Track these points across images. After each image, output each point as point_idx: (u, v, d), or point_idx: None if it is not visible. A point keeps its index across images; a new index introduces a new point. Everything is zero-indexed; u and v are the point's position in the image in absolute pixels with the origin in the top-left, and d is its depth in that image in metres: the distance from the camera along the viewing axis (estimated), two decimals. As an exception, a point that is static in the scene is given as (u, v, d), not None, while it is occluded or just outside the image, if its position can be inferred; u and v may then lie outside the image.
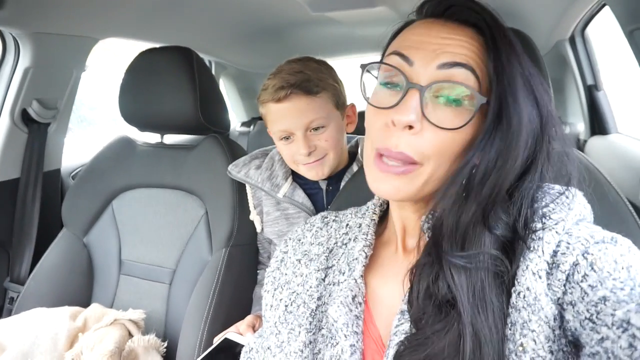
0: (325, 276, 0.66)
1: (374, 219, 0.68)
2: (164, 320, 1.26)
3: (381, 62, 0.57)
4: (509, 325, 0.48)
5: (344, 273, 0.64)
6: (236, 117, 3.01)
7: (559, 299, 0.48)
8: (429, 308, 0.51)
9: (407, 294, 0.55)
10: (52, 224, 1.53)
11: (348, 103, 1.14)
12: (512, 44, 0.53)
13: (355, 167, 1.15)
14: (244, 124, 2.89)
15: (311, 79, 1.04)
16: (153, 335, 1.12)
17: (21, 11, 1.22)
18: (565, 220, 0.51)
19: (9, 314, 1.40)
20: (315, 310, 0.63)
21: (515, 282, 0.49)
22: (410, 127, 0.52)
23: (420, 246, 0.59)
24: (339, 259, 0.66)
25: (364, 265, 0.62)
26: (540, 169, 0.53)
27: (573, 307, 0.47)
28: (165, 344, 1.15)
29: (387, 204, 0.70)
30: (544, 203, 0.54)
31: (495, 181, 0.51)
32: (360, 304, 0.60)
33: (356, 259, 0.63)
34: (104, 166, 1.44)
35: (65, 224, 1.41)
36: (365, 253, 0.63)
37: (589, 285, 0.46)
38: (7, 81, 1.42)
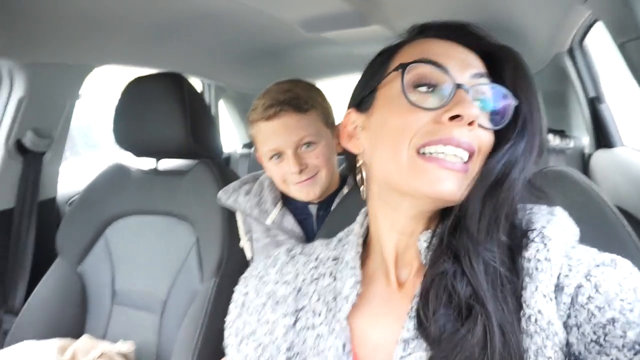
0: (296, 320, 0.59)
1: (359, 252, 0.61)
2: (155, 352, 1.23)
3: (420, 60, 0.53)
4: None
5: (319, 314, 0.57)
6: (238, 139, 3.01)
7: (564, 323, 0.47)
8: (449, 317, 0.48)
9: (414, 317, 0.51)
10: (48, 253, 1.53)
11: (337, 124, 1.13)
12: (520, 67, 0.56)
13: (345, 190, 1.13)
14: (245, 145, 2.89)
15: (300, 96, 1.04)
16: (141, 369, 1.09)
17: (14, 42, 1.23)
18: (565, 242, 0.51)
19: (2, 346, 1.38)
20: None
21: (524, 304, 0.47)
22: (471, 123, 0.51)
23: (413, 274, 0.57)
24: (310, 298, 0.60)
25: (352, 305, 0.55)
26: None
27: (578, 329, 0.45)
28: (155, 378, 1.12)
29: (366, 234, 0.64)
30: (537, 222, 0.53)
31: (521, 178, 0.52)
32: (350, 352, 0.54)
33: (345, 297, 0.56)
34: (97, 194, 1.43)
35: (60, 253, 1.41)
36: (357, 291, 0.56)
37: (596, 307, 0.45)
38: (1, 112, 1.43)
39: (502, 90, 0.53)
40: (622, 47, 0.86)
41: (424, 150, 0.51)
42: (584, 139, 2.15)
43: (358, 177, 0.64)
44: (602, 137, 1.87)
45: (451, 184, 0.50)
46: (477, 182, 0.52)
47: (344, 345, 0.54)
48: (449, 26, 0.58)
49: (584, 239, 0.55)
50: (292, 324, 0.58)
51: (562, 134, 2.35)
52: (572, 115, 2.19)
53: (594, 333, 0.44)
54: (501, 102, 0.53)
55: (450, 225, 0.53)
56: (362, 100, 0.61)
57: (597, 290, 0.46)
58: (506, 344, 0.45)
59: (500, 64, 0.55)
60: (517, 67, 0.55)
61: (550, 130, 2.40)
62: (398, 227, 0.57)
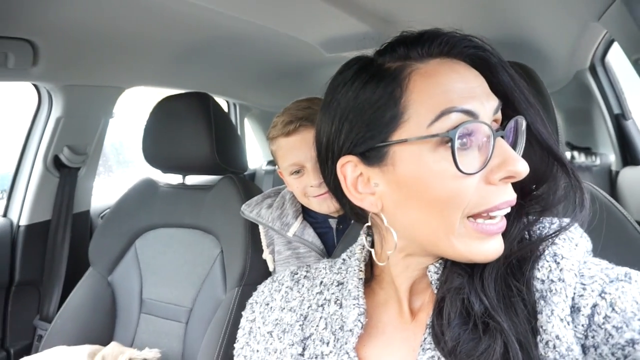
0: (304, 349, 0.57)
1: (361, 278, 0.58)
2: (180, 359, 1.27)
3: (469, 122, 0.46)
4: None
5: (327, 343, 0.55)
6: (262, 155, 3.08)
7: (582, 345, 0.45)
8: (464, 330, 0.47)
9: (433, 327, 0.50)
10: (81, 263, 1.60)
11: None
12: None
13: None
14: (269, 162, 2.95)
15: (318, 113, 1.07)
16: (166, 375, 1.13)
17: (53, 67, 1.33)
18: (578, 260, 0.49)
19: (36, 351, 1.44)
20: None
21: (540, 329, 0.45)
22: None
23: (426, 303, 0.55)
24: (317, 326, 0.58)
25: (358, 337, 0.53)
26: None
27: (595, 350, 0.44)
28: (179, 385, 1.15)
29: (370, 257, 0.61)
30: (548, 239, 0.51)
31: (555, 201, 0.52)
32: None
33: (350, 330, 0.54)
34: (128, 207, 1.50)
35: (92, 263, 1.47)
36: (362, 323, 0.54)
37: (614, 327, 0.43)
38: (41, 130, 1.53)
39: (516, 118, 0.51)
40: (636, 63, 0.87)
41: (476, 219, 0.48)
42: (611, 156, 2.11)
43: (367, 240, 0.60)
44: (629, 154, 1.84)
45: (499, 244, 0.49)
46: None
47: None
48: (453, 39, 0.51)
49: (604, 254, 0.55)
50: (300, 353, 0.57)
51: (587, 151, 2.32)
52: (597, 133, 2.16)
53: (612, 354, 0.43)
54: (516, 130, 0.52)
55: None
56: (369, 150, 0.51)
57: (613, 309, 0.44)
58: (527, 356, 0.44)
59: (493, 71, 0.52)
60: (513, 76, 0.51)
61: (575, 148, 2.37)
62: (412, 266, 0.56)
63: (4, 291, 1.54)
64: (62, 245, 1.58)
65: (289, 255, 1.18)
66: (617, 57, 1.70)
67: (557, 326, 0.45)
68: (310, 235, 1.15)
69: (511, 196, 0.48)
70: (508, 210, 0.49)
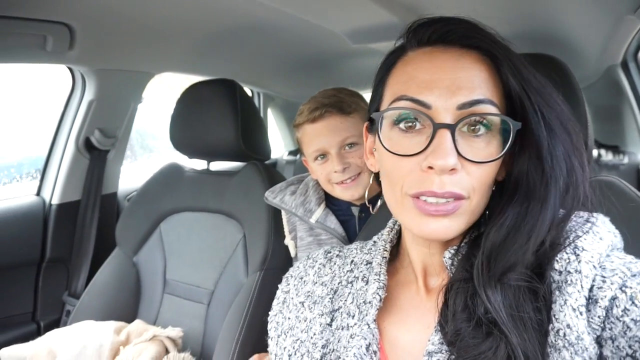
0: (332, 320, 0.61)
1: (385, 257, 0.62)
2: (202, 339, 1.31)
3: (395, 107, 0.53)
4: None
5: (353, 316, 0.59)
6: (284, 146, 3.10)
7: (598, 336, 0.45)
8: (467, 326, 0.49)
9: (439, 317, 0.52)
10: (108, 243, 1.65)
11: None
12: (518, 56, 0.53)
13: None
14: (291, 152, 2.98)
15: (344, 100, 1.10)
16: (188, 353, 1.17)
17: (88, 50, 1.37)
18: (600, 252, 0.49)
19: (65, 325, 1.50)
20: None
21: (553, 318, 0.46)
22: (453, 169, 0.49)
23: (442, 283, 0.56)
24: (345, 300, 0.62)
25: (377, 309, 0.57)
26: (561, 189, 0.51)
27: (613, 342, 0.44)
28: (200, 362, 1.19)
29: (398, 238, 0.66)
30: (572, 231, 0.51)
31: (579, 197, 0.50)
32: (375, 352, 0.55)
33: (369, 302, 0.57)
34: (154, 190, 1.54)
35: (118, 244, 1.52)
36: (380, 296, 0.57)
37: (632, 320, 0.44)
38: (74, 112, 1.58)
39: (494, 119, 0.50)
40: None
41: (419, 195, 0.51)
42: (639, 154, 2.06)
43: (396, 223, 0.67)
44: (658, 153, 1.80)
45: (437, 225, 0.51)
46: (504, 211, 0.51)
47: (367, 346, 0.55)
48: (441, 27, 0.53)
49: (629, 249, 0.54)
50: (328, 322, 0.61)
51: (615, 149, 2.27)
52: (626, 130, 2.11)
53: (630, 347, 0.43)
54: (495, 132, 0.51)
55: (471, 242, 0.54)
56: (370, 119, 0.61)
57: (633, 303, 0.44)
58: None
59: (499, 61, 0.52)
60: (517, 67, 0.51)
61: (603, 145, 2.32)
62: (419, 241, 0.59)
63: (35, 267, 1.60)
64: (91, 225, 1.64)
65: (311, 241, 1.20)
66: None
67: (569, 315, 0.45)
68: (333, 222, 1.17)
69: (438, 188, 0.49)
70: (444, 201, 0.50)
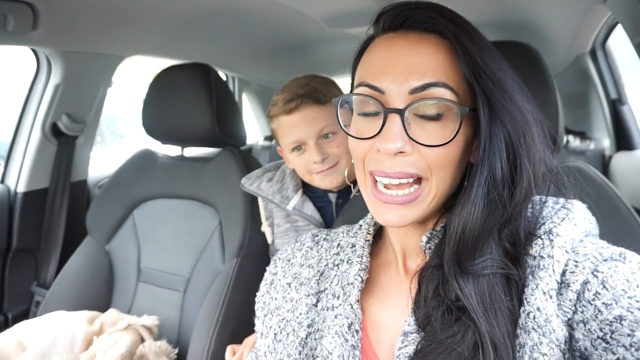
0: (318, 301, 0.63)
1: (369, 240, 0.64)
2: (178, 327, 1.29)
3: (352, 93, 0.56)
4: (517, 347, 0.47)
5: (338, 297, 0.61)
6: (259, 131, 3.07)
7: (569, 319, 0.47)
8: (437, 311, 0.50)
9: (413, 301, 0.54)
10: (78, 232, 1.61)
11: None
12: (480, 41, 0.53)
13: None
14: (266, 138, 2.95)
15: (319, 90, 1.08)
16: (164, 341, 1.15)
17: (53, 32, 1.31)
18: (573, 238, 0.50)
19: (34, 316, 1.46)
20: (306, 339, 0.60)
21: (524, 301, 0.48)
22: (401, 152, 0.51)
23: (420, 266, 0.57)
24: (331, 282, 0.63)
25: (360, 290, 0.59)
26: (525, 173, 0.51)
27: (585, 325, 0.46)
28: (176, 350, 1.18)
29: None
30: (548, 218, 0.52)
31: (526, 184, 0.50)
32: (357, 331, 0.57)
33: (351, 283, 0.60)
34: (126, 177, 1.50)
35: (89, 232, 1.48)
36: (361, 277, 0.60)
37: (603, 304, 0.45)
38: (39, 97, 1.52)
39: (446, 103, 0.51)
40: (638, 46, 0.88)
41: (375, 174, 0.55)
42: (605, 141, 2.14)
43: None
44: (623, 139, 1.87)
45: (391, 216, 0.53)
46: (467, 195, 0.51)
47: (350, 324, 0.57)
48: (401, 13, 0.54)
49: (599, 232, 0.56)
50: (314, 303, 0.63)
51: (582, 135, 2.35)
52: (593, 117, 2.19)
53: (600, 330, 0.44)
54: (451, 116, 0.51)
55: (444, 230, 0.54)
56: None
57: (604, 287, 0.46)
58: (498, 357, 0.46)
59: (462, 45, 0.52)
60: (470, 52, 0.51)
61: (571, 132, 2.39)
62: (397, 228, 0.61)
63: (1, 257, 1.54)
64: (60, 214, 1.59)
65: (288, 228, 1.20)
66: (617, 43, 1.71)
67: (539, 299, 0.47)
68: (310, 208, 1.17)
69: (389, 168, 0.52)
70: (400, 192, 0.53)
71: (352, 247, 0.65)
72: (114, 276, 1.44)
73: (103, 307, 1.37)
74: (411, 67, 0.51)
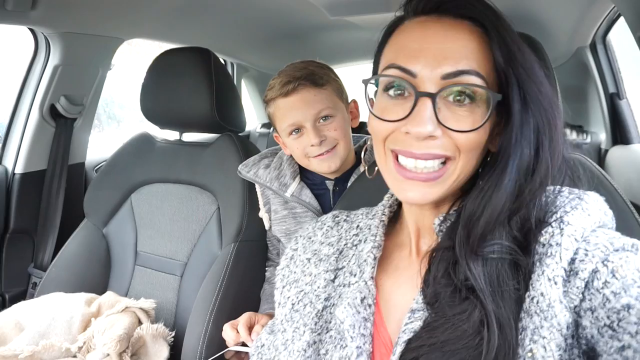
0: (335, 277, 0.66)
1: (383, 220, 0.67)
2: (175, 311, 1.31)
3: (382, 75, 0.56)
4: (520, 329, 0.48)
5: (354, 275, 0.63)
6: (257, 118, 3.07)
7: (575, 306, 0.48)
8: (445, 290, 0.52)
9: (422, 279, 0.55)
10: (75, 215, 1.61)
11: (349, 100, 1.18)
12: (512, 31, 0.53)
13: (362, 168, 1.17)
14: (264, 125, 2.94)
15: (316, 72, 1.09)
16: (161, 324, 1.16)
17: (52, 12, 1.29)
18: (584, 227, 0.51)
19: (31, 297, 1.47)
20: (322, 311, 0.63)
21: (530, 286, 0.49)
22: (431, 136, 0.52)
23: (432, 247, 0.59)
24: (349, 261, 0.66)
25: (373, 267, 0.62)
26: (546, 165, 0.52)
27: (592, 313, 0.46)
28: (173, 333, 1.19)
29: (399, 205, 0.69)
30: (561, 207, 0.53)
31: (543, 173, 0.51)
32: (369, 305, 0.59)
33: (365, 260, 0.62)
34: (124, 161, 1.50)
35: (87, 215, 1.48)
36: (374, 255, 0.62)
37: (612, 292, 0.46)
38: (37, 78, 1.51)
39: (478, 90, 0.51)
40: (640, 40, 0.88)
41: (398, 155, 0.55)
42: (601, 134, 2.15)
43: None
44: (620, 134, 1.88)
45: (414, 193, 0.54)
46: (491, 178, 0.53)
47: (363, 298, 0.59)
48: None
49: None
50: (332, 279, 0.66)
51: (579, 129, 2.35)
52: (590, 111, 2.19)
53: (608, 318, 0.45)
54: (480, 102, 0.52)
55: (460, 211, 0.56)
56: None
57: (613, 276, 0.46)
58: (502, 343, 0.47)
59: (498, 32, 0.52)
60: (505, 40, 0.52)
61: (568, 125, 2.40)
62: (413, 209, 0.62)
63: (-2, 238, 1.55)
64: (57, 196, 1.59)
65: (286, 214, 1.21)
66: (617, 37, 1.71)
67: (544, 284, 0.48)
68: (308, 196, 1.18)
69: (417, 149, 0.53)
70: (421, 165, 0.53)
71: (369, 229, 0.68)
72: (111, 259, 1.45)
73: (100, 289, 1.38)
74: (445, 52, 0.52)
